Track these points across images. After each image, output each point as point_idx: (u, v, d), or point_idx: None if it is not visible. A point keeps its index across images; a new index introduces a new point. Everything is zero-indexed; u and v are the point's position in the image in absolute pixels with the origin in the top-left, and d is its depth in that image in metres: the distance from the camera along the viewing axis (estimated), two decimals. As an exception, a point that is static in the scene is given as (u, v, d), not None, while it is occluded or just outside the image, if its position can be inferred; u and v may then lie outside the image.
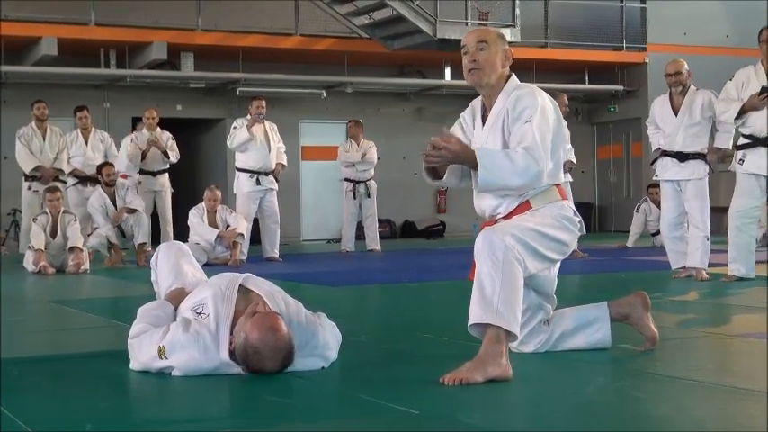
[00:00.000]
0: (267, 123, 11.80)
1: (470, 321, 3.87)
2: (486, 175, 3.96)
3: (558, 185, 4.20)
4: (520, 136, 4.03)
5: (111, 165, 11.64)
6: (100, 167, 11.47)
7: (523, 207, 4.13)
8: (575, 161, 11.30)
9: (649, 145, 9.05)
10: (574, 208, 4.22)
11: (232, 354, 3.89)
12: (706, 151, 8.40)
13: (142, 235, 11.11)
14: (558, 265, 4.33)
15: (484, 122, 4.29)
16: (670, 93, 8.51)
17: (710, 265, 8.47)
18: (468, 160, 4.01)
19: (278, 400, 3.63)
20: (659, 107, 8.64)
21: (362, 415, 3.37)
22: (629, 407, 3.48)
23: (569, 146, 11.23)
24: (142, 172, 12.59)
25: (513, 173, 3.98)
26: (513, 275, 3.85)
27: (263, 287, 4.16)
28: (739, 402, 3.47)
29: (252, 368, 3.85)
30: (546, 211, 4.11)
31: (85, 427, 3.20)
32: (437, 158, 4.02)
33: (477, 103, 4.42)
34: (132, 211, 11.19)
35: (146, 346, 4.02)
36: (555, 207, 4.14)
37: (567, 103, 11.14)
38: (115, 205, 11.22)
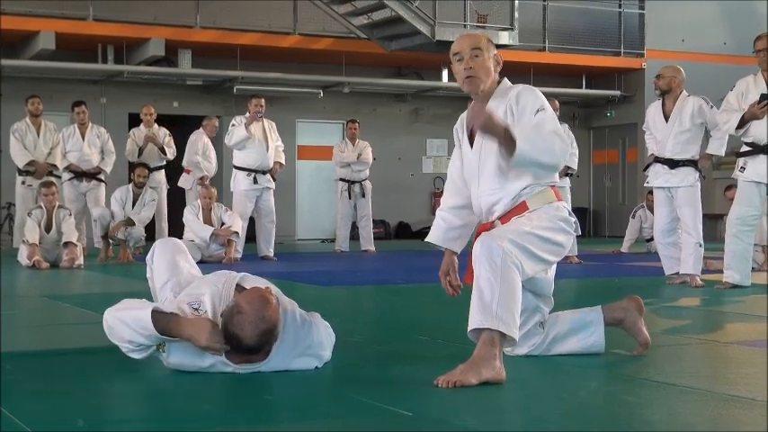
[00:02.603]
0: (266, 122, 11.79)
1: (470, 327, 3.88)
2: (524, 146, 3.88)
3: (552, 186, 4.21)
4: (536, 123, 4.05)
5: (146, 166, 11.78)
6: (134, 167, 11.67)
7: (520, 208, 4.14)
8: (575, 167, 11.33)
9: (645, 150, 9.07)
10: (569, 208, 4.23)
11: (227, 351, 3.88)
12: (697, 158, 8.41)
13: (134, 243, 11.23)
14: (555, 267, 4.34)
15: (471, 134, 4.30)
16: (663, 99, 8.52)
17: (704, 272, 8.49)
18: (503, 133, 3.91)
19: (271, 399, 3.63)
20: (652, 113, 8.66)
21: (355, 416, 3.36)
22: (621, 412, 3.48)
23: (575, 150, 11.25)
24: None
25: (545, 150, 3.99)
26: (511, 280, 3.86)
27: (259, 286, 4.15)
28: (733, 409, 3.47)
29: (231, 333, 3.80)
30: (542, 212, 4.12)
31: (77, 423, 3.19)
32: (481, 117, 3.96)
33: (465, 116, 4.43)
34: (131, 223, 11.23)
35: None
36: (551, 208, 4.14)
37: (559, 107, 11.15)
38: (134, 204, 11.35)
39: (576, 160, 11.29)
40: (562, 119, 11.13)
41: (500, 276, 3.84)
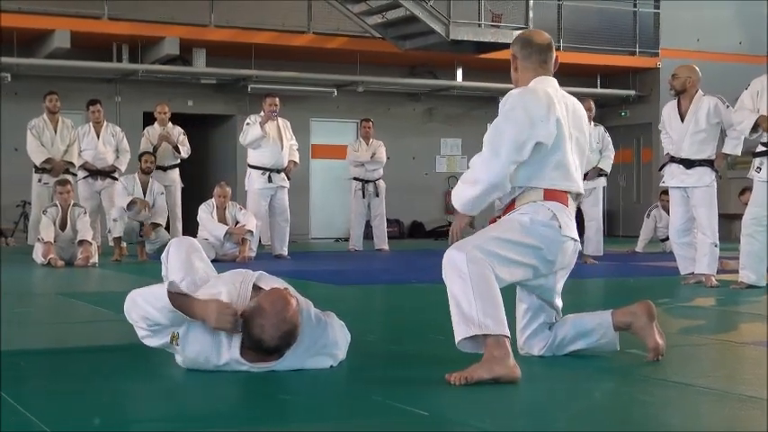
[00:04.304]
0: (280, 120, 11.78)
1: (457, 339, 3.88)
2: (455, 204, 4.19)
3: (548, 189, 4.15)
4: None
5: (152, 154, 11.85)
6: (140, 155, 11.72)
7: (510, 207, 4.19)
8: (607, 168, 11.32)
9: (660, 150, 9.04)
10: (557, 211, 4.12)
11: (242, 350, 3.89)
12: (713, 158, 8.37)
13: (160, 245, 11.27)
14: (560, 276, 4.29)
15: None
16: (679, 99, 8.49)
17: (719, 271, 8.45)
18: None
19: (287, 399, 3.62)
20: (668, 112, 8.62)
21: (371, 415, 3.36)
22: (637, 412, 3.47)
23: (609, 153, 11.25)
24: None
25: (463, 185, 4.16)
26: (484, 283, 3.85)
27: (275, 286, 4.15)
28: (750, 410, 3.45)
29: (252, 335, 3.82)
30: (515, 215, 4.13)
31: (93, 422, 3.19)
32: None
33: None
34: (156, 226, 11.26)
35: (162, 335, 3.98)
36: (528, 209, 4.13)
37: (593, 107, 11.16)
38: (144, 194, 11.31)
39: (610, 162, 11.32)
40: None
41: (470, 283, 3.84)
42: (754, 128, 7.87)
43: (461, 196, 4.15)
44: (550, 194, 4.15)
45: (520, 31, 15.71)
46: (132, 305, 3.98)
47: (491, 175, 4.06)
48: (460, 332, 3.86)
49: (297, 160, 12.03)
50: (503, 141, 4.06)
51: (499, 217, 4.23)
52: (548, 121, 4.10)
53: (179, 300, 3.86)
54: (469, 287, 3.83)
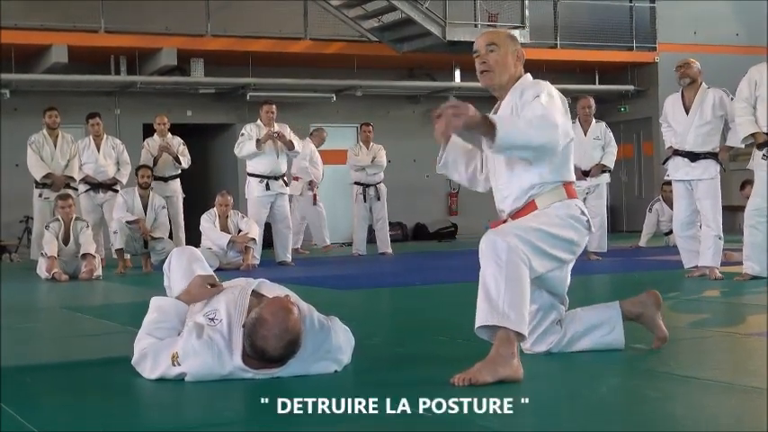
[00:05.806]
0: (277, 126, 11.72)
1: (477, 324, 3.89)
2: (502, 130, 3.81)
3: (565, 183, 4.19)
4: (530, 111, 4.00)
5: (149, 167, 11.85)
6: (137, 169, 11.74)
7: (529, 207, 4.15)
8: (610, 165, 11.31)
9: (661, 144, 9.03)
10: (582, 207, 4.20)
11: (245, 358, 3.88)
12: (717, 150, 8.37)
13: (167, 255, 11.24)
14: (571, 266, 4.32)
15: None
16: (682, 91, 8.48)
17: (723, 263, 8.45)
18: (482, 122, 3.83)
19: (291, 404, 3.62)
20: (671, 105, 8.61)
21: (376, 418, 3.35)
22: (644, 407, 3.46)
23: (612, 149, 11.26)
24: (155, 178, 12.62)
25: (528, 127, 3.92)
26: (517, 276, 3.85)
27: (276, 292, 4.15)
28: (756, 401, 3.44)
29: (255, 346, 3.82)
30: (551, 210, 4.12)
31: (99, 433, 3.20)
32: (454, 116, 3.81)
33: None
34: (156, 238, 11.26)
35: (163, 360, 4.00)
36: (561, 206, 4.13)
37: (593, 104, 11.19)
38: (145, 208, 11.32)
39: (613, 158, 11.31)
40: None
41: (505, 272, 3.83)
42: (746, 137, 7.97)
43: (519, 132, 3.92)
44: (569, 190, 4.19)
45: (517, 31, 15.76)
46: (136, 343, 4.21)
47: (552, 134, 3.94)
48: (482, 318, 3.86)
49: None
50: (558, 118, 3.98)
51: (505, 221, 4.21)
52: (568, 117, 4.14)
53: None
54: (503, 276, 3.83)
